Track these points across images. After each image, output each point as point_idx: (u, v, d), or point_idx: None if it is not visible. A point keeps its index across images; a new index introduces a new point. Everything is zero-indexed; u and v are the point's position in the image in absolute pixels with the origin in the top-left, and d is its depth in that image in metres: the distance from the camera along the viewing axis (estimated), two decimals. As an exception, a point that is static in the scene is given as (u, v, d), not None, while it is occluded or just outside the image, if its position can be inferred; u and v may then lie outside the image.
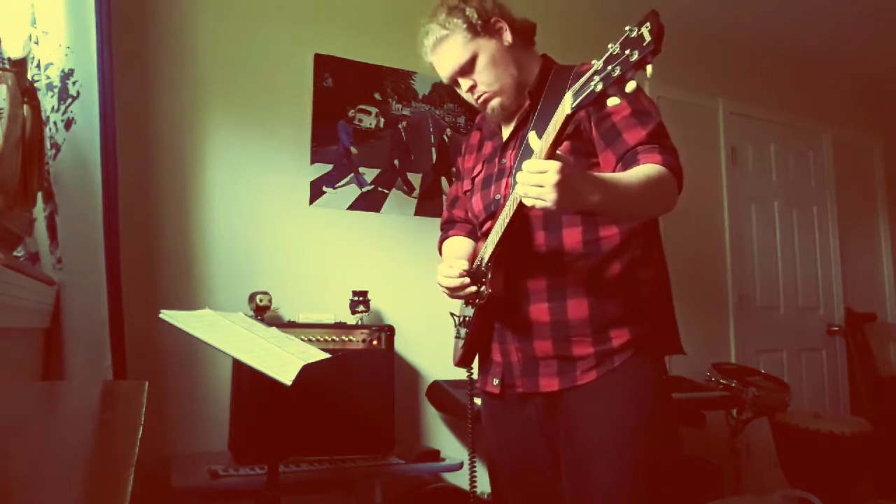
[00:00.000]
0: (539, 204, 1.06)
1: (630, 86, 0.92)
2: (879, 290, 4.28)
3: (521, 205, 1.17)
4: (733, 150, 3.76)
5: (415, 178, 2.86)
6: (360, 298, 2.49)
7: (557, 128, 1.04)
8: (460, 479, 2.54)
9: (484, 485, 2.62)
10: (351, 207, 2.72)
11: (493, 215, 1.41)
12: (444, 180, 2.91)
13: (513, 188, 1.21)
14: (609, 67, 0.93)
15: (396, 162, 2.83)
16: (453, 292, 1.37)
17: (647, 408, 1.30)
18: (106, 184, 1.83)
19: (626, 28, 0.91)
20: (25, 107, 1.34)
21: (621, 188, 1.16)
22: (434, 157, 2.91)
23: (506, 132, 1.49)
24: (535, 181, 1.05)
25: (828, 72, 4.10)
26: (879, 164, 4.39)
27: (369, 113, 2.80)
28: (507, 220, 1.25)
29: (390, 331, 2.40)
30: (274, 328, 1.91)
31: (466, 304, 1.46)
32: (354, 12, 2.82)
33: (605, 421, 1.28)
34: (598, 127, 1.31)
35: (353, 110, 2.77)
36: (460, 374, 2.80)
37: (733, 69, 3.84)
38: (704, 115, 3.71)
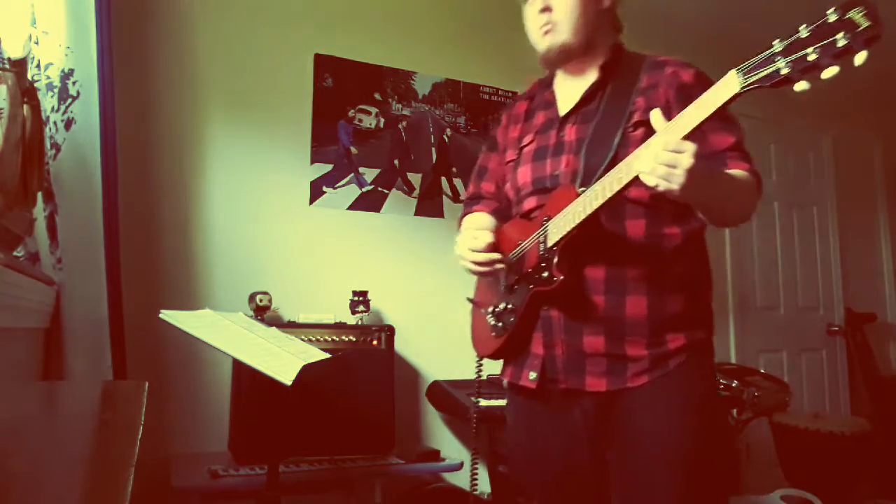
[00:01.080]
0: (663, 185, 1.00)
1: (829, 72, 0.85)
2: (879, 290, 4.28)
3: (624, 187, 1.10)
4: (733, 150, 3.76)
5: (415, 178, 2.86)
6: (360, 298, 2.49)
7: (718, 105, 0.97)
8: (460, 479, 2.54)
9: (484, 485, 2.62)
10: (351, 207, 2.72)
11: (543, 191, 1.31)
12: (444, 180, 2.91)
13: (603, 165, 1.17)
14: (802, 52, 0.87)
15: (396, 162, 2.83)
16: (481, 266, 1.30)
17: (705, 418, 1.24)
18: (106, 184, 1.83)
19: (829, 11, 0.85)
20: (25, 107, 1.34)
21: (730, 186, 1.15)
22: (434, 157, 2.91)
23: (564, 103, 1.37)
24: (668, 160, 0.98)
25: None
26: (879, 164, 4.39)
27: (369, 113, 2.80)
28: (600, 202, 1.13)
29: (390, 331, 2.40)
30: (274, 328, 1.91)
31: (510, 289, 1.34)
32: (354, 12, 2.82)
33: (662, 427, 1.21)
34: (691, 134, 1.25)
35: (353, 110, 2.77)
36: (460, 374, 2.80)
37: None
38: (704, 115, 3.70)
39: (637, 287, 1.23)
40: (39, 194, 1.54)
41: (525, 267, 1.28)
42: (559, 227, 1.22)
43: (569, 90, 1.38)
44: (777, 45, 0.91)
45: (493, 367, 2.66)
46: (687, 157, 0.98)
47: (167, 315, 1.52)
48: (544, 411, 1.32)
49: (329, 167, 2.69)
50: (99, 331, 1.80)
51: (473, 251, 1.31)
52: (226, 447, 2.30)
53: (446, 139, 2.94)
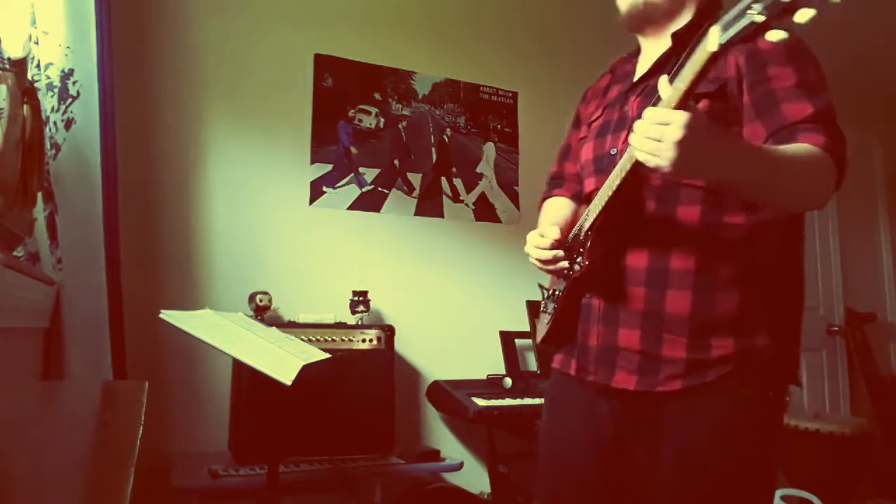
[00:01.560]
0: (652, 161, 0.89)
1: (804, 14, 0.73)
2: (879, 290, 4.28)
3: (634, 167, 1.00)
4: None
5: (415, 178, 2.86)
6: (360, 298, 2.49)
7: (697, 70, 0.84)
8: (460, 479, 2.54)
9: (484, 485, 2.63)
10: (351, 207, 2.72)
11: (602, 170, 1.21)
12: (444, 180, 2.91)
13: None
14: None
15: (396, 162, 2.83)
16: (545, 265, 1.21)
17: (744, 451, 1.08)
18: (106, 184, 1.83)
19: None
20: (25, 107, 1.34)
21: (764, 164, 0.96)
22: (434, 157, 2.91)
23: (638, 74, 1.27)
24: (654, 133, 0.88)
25: (827, 72, 4.09)
26: (879, 165, 4.38)
27: (369, 113, 2.80)
28: (617, 183, 1.05)
29: (390, 331, 2.40)
30: (274, 328, 1.91)
31: (560, 276, 1.27)
32: (354, 12, 2.82)
33: (688, 459, 1.08)
34: (752, 91, 1.09)
35: (353, 110, 2.77)
36: (460, 374, 2.80)
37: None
38: (704, 115, 3.71)
39: (682, 280, 1.10)
40: (39, 194, 1.54)
41: (572, 252, 1.20)
42: (591, 211, 1.15)
43: (648, 60, 1.25)
44: None
45: (494, 368, 2.67)
46: (674, 128, 0.86)
47: (167, 315, 1.52)
48: (581, 402, 1.24)
49: (329, 167, 2.69)
50: (99, 331, 1.80)
51: (538, 248, 1.21)
52: (226, 447, 2.30)
53: (446, 139, 2.94)
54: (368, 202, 2.75)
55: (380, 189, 2.78)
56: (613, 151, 1.21)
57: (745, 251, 1.11)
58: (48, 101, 1.72)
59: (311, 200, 2.66)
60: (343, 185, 2.71)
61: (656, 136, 0.88)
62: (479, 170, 2.99)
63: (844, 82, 4.21)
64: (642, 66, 1.27)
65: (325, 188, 2.68)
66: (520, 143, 3.08)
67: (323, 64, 2.73)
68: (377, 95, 2.82)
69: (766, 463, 1.11)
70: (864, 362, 3.87)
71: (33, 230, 1.63)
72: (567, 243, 1.21)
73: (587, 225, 1.16)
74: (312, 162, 2.67)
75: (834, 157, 1.02)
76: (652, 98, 1.12)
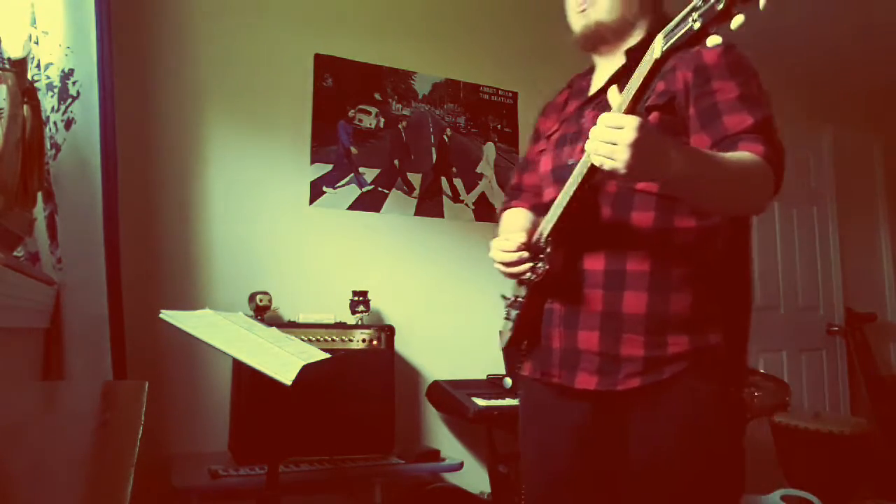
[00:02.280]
0: (608, 164, 0.94)
1: (737, 20, 0.81)
2: (879, 290, 4.28)
3: (589, 172, 1.06)
4: (733, 150, 3.76)
5: (415, 178, 2.86)
6: (360, 298, 2.48)
7: (643, 76, 0.93)
8: (460, 479, 2.54)
9: (484, 485, 2.62)
10: (351, 207, 2.72)
11: (560, 180, 1.26)
12: (444, 180, 2.91)
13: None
14: (711, 2, 0.83)
15: (396, 162, 2.83)
16: (509, 267, 1.25)
17: (704, 446, 1.13)
18: (106, 184, 1.83)
19: None
20: (25, 107, 1.34)
21: (708, 167, 1.03)
22: (434, 157, 2.91)
23: (593, 90, 1.35)
24: (609, 137, 0.93)
25: (827, 72, 4.10)
26: (879, 164, 4.38)
27: (369, 113, 2.80)
28: (573, 189, 1.12)
29: (390, 331, 2.40)
30: (274, 328, 1.91)
31: (520, 283, 1.33)
32: (354, 12, 2.82)
33: (658, 462, 1.14)
34: (697, 103, 1.16)
35: (353, 110, 2.77)
36: (460, 374, 2.80)
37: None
38: (704, 115, 3.70)
39: (638, 282, 1.17)
40: (39, 194, 1.54)
41: (533, 258, 1.25)
42: (550, 217, 1.21)
43: (603, 76, 1.32)
44: (695, 2, 0.86)
45: (494, 368, 2.67)
46: (627, 131, 0.91)
47: (167, 315, 1.52)
48: (551, 405, 1.30)
49: (329, 167, 2.69)
50: (99, 331, 1.79)
51: (503, 251, 1.26)
52: (226, 447, 2.30)
53: (446, 139, 2.94)
54: (368, 202, 2.75)
55: (380, 189, 2.78)
56: (571, 162, 1.26)
57: (696, 253, 1.18)
58: (48, 101, 1.72)
59: (311, 200, 2.66)
60: (343, 185, 2.71)
61: (611, 140, 0.93)
62: (479, 170, 3.00)
63: (845, 82, 4.21)
64: (597, 82, 1.34)
65: (325, 188, 2.68)
66: (520, 143, 3.08)
67: (323, 64, 2.73)
68: (377, 95, 2.82)
69: (732, 460, 1.16)
70: (864, 362, 3.87)
71: (33, 230, 1.63)
72: (529, 249, 1.25)
73: (546, 231, 1.22)
74: (312, 162, 2.67)
75: (772, 165, 1.10)
76: (606, 111, 1.16)
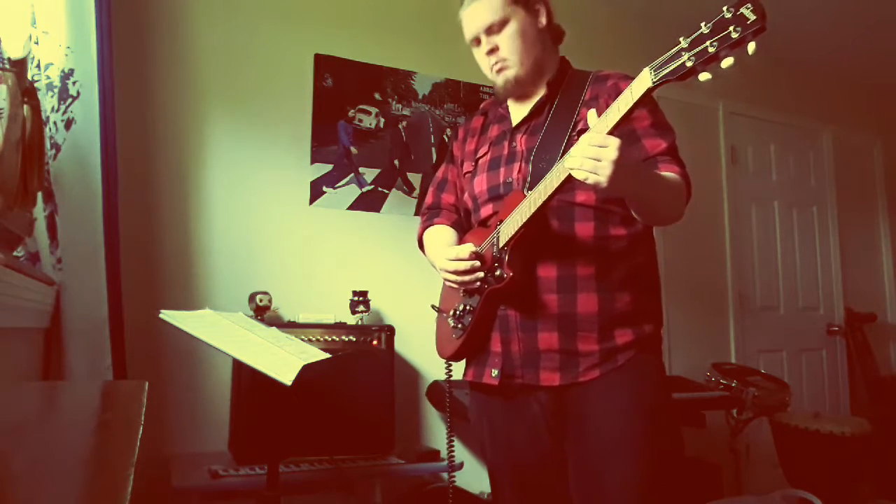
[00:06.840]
0: (592, 179, 1.06)
1: (726, 62, 0.97)
2: (879, 290, 4.28)
3: (560, 186, 1.18)
4: (733, 150, 3.76)
5: (415, 178, 2.86)
6: (360, 298, 2.48)
7: (633, 102, 1.05)
8: (460, 479, 2.54)
9: (484, 485, 2.62)
10: (351, 207, 2.72)
11: (499, 197, 1.40)
12: (444, 180, 2.91)
13: (549, 165, 1.25)
14: (703, 45, 0.97)
15: (396, 162, 2.83)
16: (462, 276, 1.34)
17: (653, 407, 1.31)
18: (106, 184, 1.83)
19: (724, 8, 0.95)
20: (25, 107, 1.34)
21: (658, 184, 1.23)
22: (434, 157, 2.91)
23: (515, 117, 1.48)
24: (594, 154, 1.06)
25: (828, 72, 4.10)
26: (879, 164, 4.39)
27: (369, 113, 2.80)
28: (541, 201, 1.23)
29: (390, 331, 2.40)
30: (274, 328, 1.91)
31: (468, 292, 1.41)
32: (354, 12, 2.82)
33: (614, 421, 1.28)
34: (615, 129, 1.29)
35: (353, 110, 2.77)
36: (460, 374, 2.80)
37: (733, 70, 3.84)
38: (705, 115, 3.71)
39: (587, 285, 1.31)
40: (39, 194, 1.54)
41: (482, 269, 1.34)
42: (509, 227, 1.31)
43: (520, 105, 1.47)
44: (683, 42, 0.99)
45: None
46: (611, 150, 1.05)
47: (167, 315, 1.51)
48: (506, 407, 1.40)
49: (329, 167, 2.69)
50: (99, 331, 1.80)
51: (455, 261, 1.34)
52: (226, 447, 2.30)
53: (446, 139, 2.94)
54: (368, 202, 2.75)
55: (380, 189, 2.78)
56: (509, 180, 1.39)
57: (629, 257, 1.35)
58: (48, 101, 1.72)
59: (311, 200, 2.66)
60: (343, 185, 2.71)
61: (596, 157, 1.05)
62: (479, 170, 2.99)
63: (845, 83, 4.21)
64: (517, 110, 1.48)
65: (325, 188, 2.68)
66: (520, 143, 3.08)
67: (323, 64, 2.73)
68: (377, 95, 2.82)
69: (672, 426, 1.39)
70: (864, 362, 3.87)
71: (33, 230, 1.63)
72: (480, 258, 1.34)
73: (503, 241, 1.31)
74: (312, 162, 2.67)
75: (686, 182, 1.30)
76: (538, 135, 1.38)
